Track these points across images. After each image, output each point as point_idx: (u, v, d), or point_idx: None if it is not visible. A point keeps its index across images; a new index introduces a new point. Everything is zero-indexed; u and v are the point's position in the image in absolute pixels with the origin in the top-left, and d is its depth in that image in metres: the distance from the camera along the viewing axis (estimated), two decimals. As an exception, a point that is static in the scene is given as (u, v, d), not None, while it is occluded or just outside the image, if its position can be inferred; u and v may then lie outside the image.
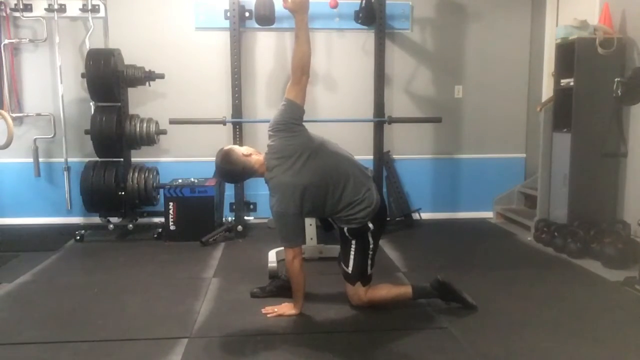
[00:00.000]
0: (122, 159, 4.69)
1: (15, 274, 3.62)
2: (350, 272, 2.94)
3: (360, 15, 4.78)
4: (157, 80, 4.76)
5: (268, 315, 2.88)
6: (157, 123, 4.75)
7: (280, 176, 2.78)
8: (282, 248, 3.74)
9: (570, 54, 4.16)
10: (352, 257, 2.92)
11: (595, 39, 4.03)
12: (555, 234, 4.15)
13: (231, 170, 2.88)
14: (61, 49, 4.97)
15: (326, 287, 3.26)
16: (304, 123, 2.88)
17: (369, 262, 2.95)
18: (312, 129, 2.92)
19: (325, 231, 3.30)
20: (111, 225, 4.64)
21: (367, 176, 2.95)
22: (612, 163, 4.19)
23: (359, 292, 2.95)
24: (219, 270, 3.74)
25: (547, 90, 5.02)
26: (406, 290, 3.01)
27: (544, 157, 4.54)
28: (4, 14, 4.87)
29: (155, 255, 4.11)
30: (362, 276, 2.94)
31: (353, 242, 2.93)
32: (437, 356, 2.47)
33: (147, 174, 4.73)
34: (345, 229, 2.92)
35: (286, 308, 2.93)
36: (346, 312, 2.94)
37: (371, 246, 2.94)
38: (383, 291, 2.99)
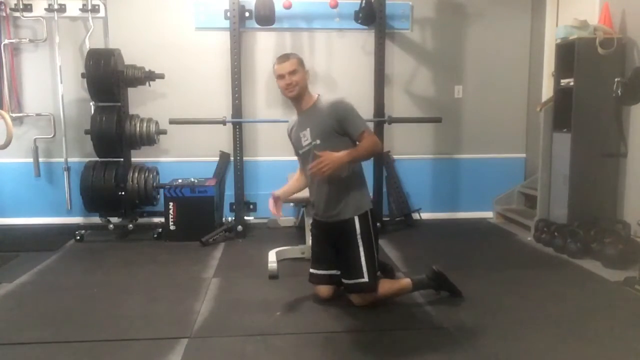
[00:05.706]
0: (122, 159, 4.68)
1: (15, 274, 3.62)
2: (368, 280, 2.90)
3: (360, 15, 4.78)
4: (157, 80, 4.76)
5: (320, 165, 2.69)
6: (157, 123, 4.75)
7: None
8: (282, 248, 3.79)
9: (570, 54, 4.16)
10: (364, 263, 2.89)
11: (595, 39, 4.03)
12: (555, 234, 4.15)
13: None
14: (61, 49, 4.97)
15: (326, 287, 3.26)
16: None
17: (376, 264, 2.97)
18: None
19: None
20: (111, 225, 4.64)
21: None
22: (612, 163, 4.19)
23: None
24: (219, 270, 3.74)
25: (547, 90, 5.02)
26: (406, 283, 3.06)
27: (544, 157, 4.54)
28: (4, 14, 4.87)
29: (155, 255, 4.12)
30: (376, 280, 2.95)
31: (360, 243, 2.89)
32: (437, 356, 2.47)
33: (147, 174, 4.72)
34: (357, 219, 2.90)
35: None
36: (346, 312, 2.94)
37: (375, 245, 2.96)
38: (385, 287, 3.00)
